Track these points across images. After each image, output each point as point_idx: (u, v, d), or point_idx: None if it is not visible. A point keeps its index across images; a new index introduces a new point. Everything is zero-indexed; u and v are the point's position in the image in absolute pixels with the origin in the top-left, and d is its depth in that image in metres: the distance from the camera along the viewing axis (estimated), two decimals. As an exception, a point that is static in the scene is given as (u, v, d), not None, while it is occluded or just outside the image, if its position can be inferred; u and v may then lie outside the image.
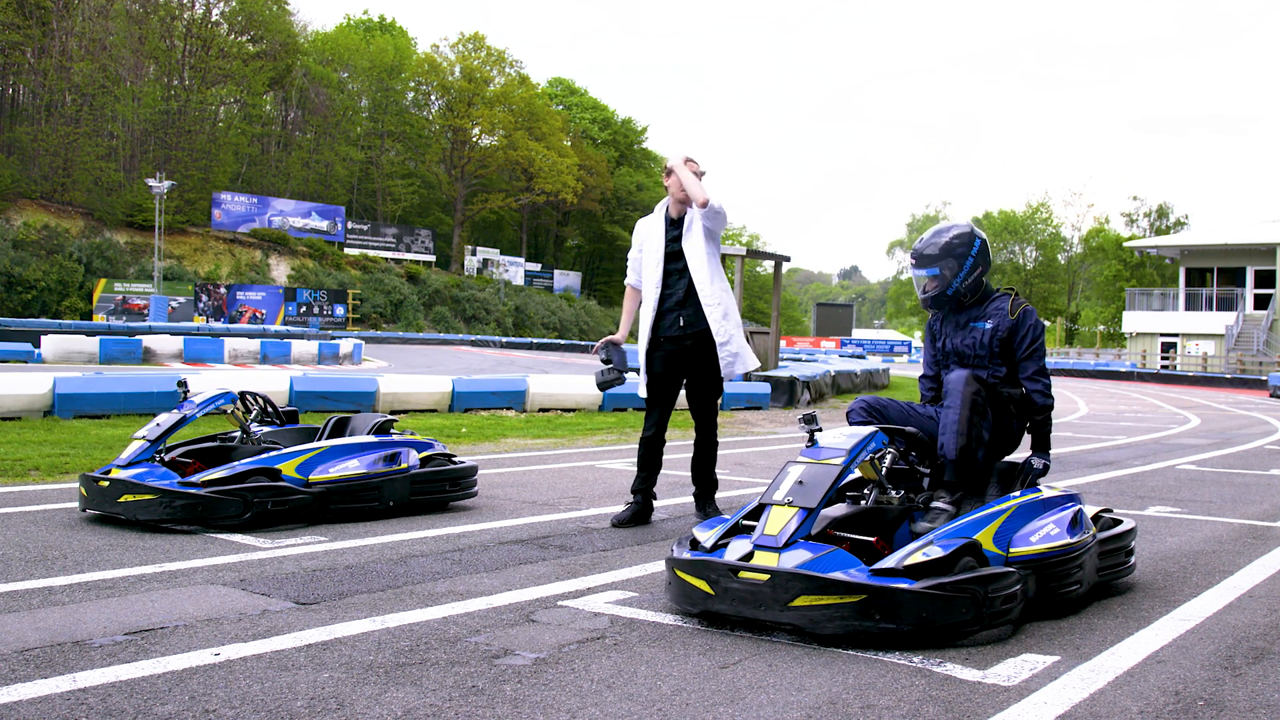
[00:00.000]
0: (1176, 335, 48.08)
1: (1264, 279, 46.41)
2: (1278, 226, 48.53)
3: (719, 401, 5.89)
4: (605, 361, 5.78)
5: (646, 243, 5.81)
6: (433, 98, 71.66)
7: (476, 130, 70.29)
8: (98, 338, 23.79)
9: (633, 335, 6.18)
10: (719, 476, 6.00)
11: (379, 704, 2.75)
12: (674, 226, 5.75)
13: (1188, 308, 48.41)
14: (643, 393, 5.81)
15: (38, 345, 23.06)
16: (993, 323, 4.50)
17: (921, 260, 4.51)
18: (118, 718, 2.60)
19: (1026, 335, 4.51)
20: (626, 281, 5.97)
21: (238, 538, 4.96)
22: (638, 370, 5.92)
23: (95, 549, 4.62)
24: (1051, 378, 4.69)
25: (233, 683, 2.88)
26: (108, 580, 4.06)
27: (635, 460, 5.87)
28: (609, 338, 5.83)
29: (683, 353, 5.66)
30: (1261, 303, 46.19)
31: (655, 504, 6.26)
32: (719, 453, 6.08)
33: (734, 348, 5.65)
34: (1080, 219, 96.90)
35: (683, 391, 5.90)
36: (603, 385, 5.81)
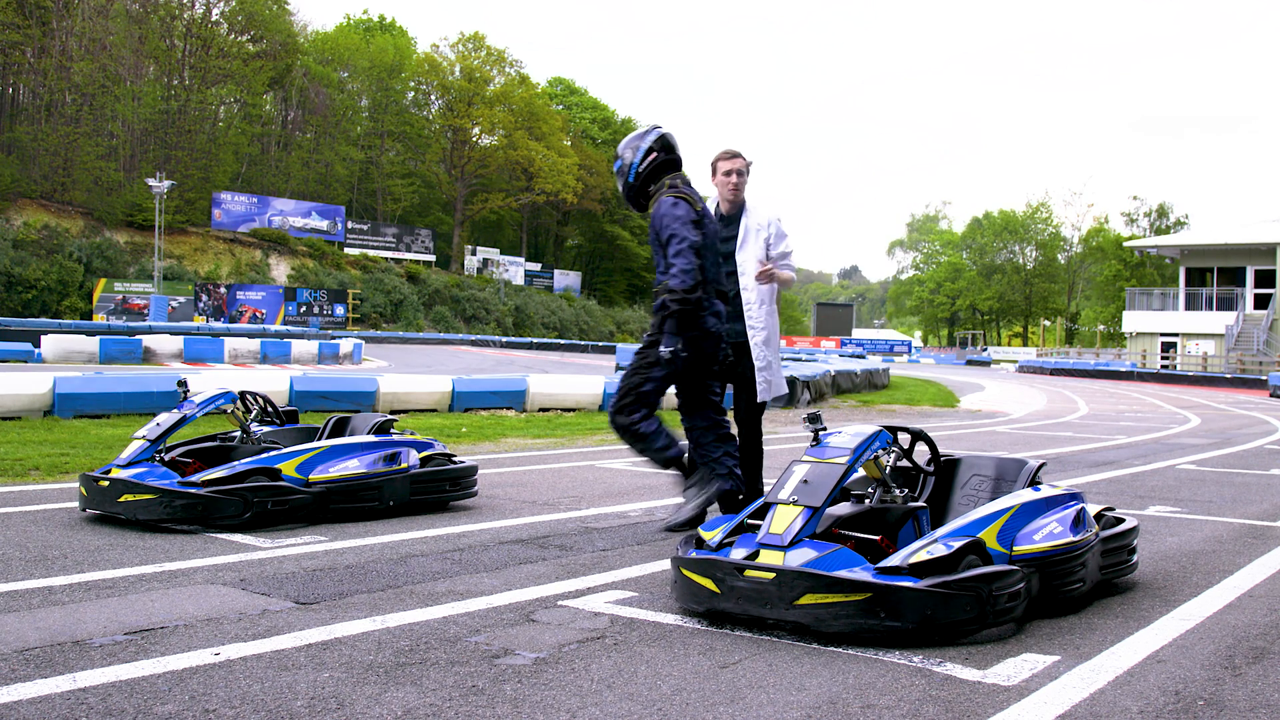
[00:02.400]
0: (1176, 335, 48.09)
1: (1264, 279, 46.41)
2: (1278, 226, 48.52)
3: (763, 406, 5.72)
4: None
5: None
6: (433, 97, 71.72)
7: (476, 130, 70.35)
8: (98, 337, 23.81)
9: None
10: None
11: (379, 704, 2.74)
12: (726, 224, 5.52)
13: (1188, 308, 48.41)
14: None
15: (38, 345, 23.06)
16: (652, 232, 4.71)
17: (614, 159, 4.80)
18: (118, 718, 2.60)
19: (660, 231, 4.57)
20: None
21: (238, 538, 4.96)
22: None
23: (95, 549, 4.62)
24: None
25: (233, 683, 2.87)
26: (108, 580, 4.05)
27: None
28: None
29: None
30: (1261, 302, 46.19)
31: (654, 505, 6.27)
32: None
33: (770, 375, 5.56)
34: (1080, 219, 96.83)
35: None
36: None
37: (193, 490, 5.08)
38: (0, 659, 3.01)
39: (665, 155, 4.95)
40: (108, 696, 2.74)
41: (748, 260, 5.45)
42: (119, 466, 5.33)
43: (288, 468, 5.40)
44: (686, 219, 4.70)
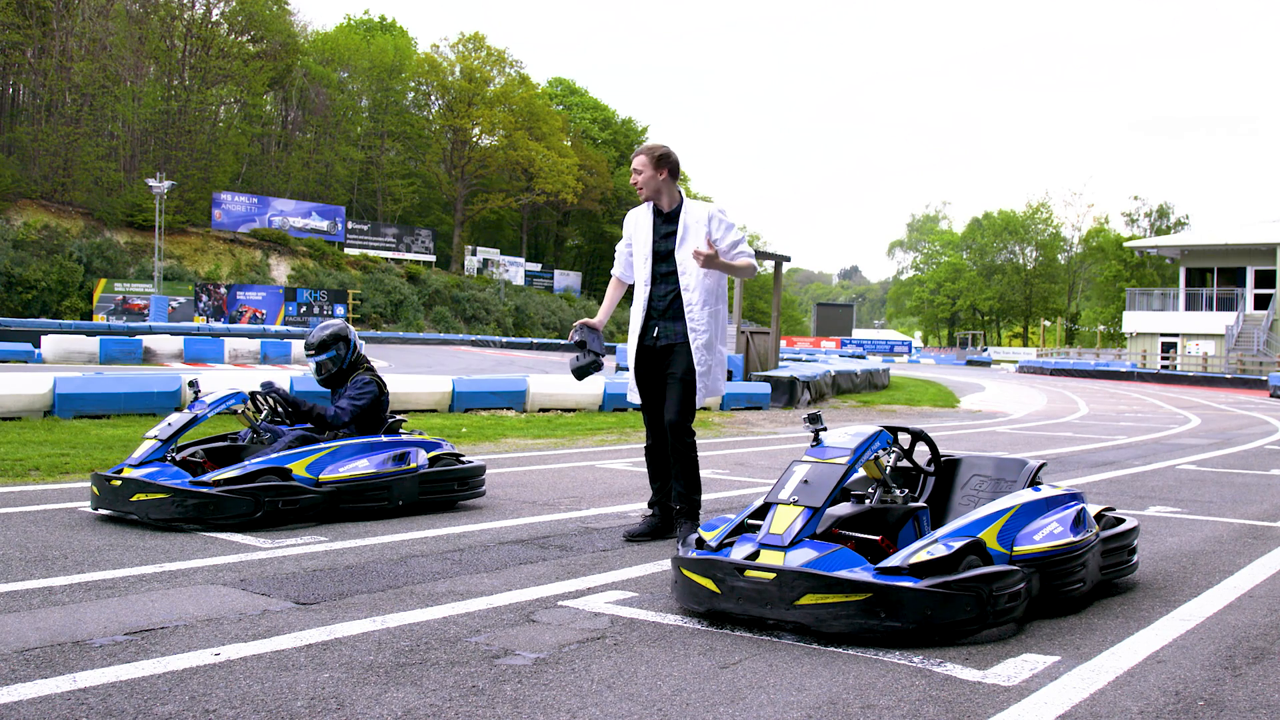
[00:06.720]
0: (1176, 335, 48.08)
1: (1264, 279, 46.39)
2: (1278, 226, 48.51)
3: (692, 398, 5.26)
4: (578, 345, 5.24)
5: (635, 236, 5.35)
6: (433, 98, 71.68)
7: (476, 130, 70.31)
8: (98, 338, 23.80)
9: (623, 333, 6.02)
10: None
11: (379, 704, 2.74)
12: (664, 221, 5.27)
13: (1188, 308, 48.39)
14: (633, 398, 5.47)
15: (38, 345, 23.07)
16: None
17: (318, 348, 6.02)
18: (118, 718, 2.60)
19: (353, 389, 6.05)
20: (612, 272, 5.56)
21: (238, 538, 4.96)
22: (625, 368, 5.70)
23: (95, 549, 4.62)
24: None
25: (233, 683, 2.87)
26: (108, 580, 4.05)
27: (643, 464, 5.75)
28: (584, 320, 5.31)
29: (666, 353, 5.27)
30: (1261, 303, 46.17)
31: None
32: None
33: (708, 380, 5.24)
34: (1080, 219, 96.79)
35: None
36: (578, 372, 5.25)
37: (205, 490, 5.11)
38: (0, 659, 3.01)
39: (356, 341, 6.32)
40: (108, 697, 2.74)
41: (687, 258, 5.16)
42: (131, 466, 5.35)
43: (298, 467, 5.42)
44: (369, 392, 6.05)
